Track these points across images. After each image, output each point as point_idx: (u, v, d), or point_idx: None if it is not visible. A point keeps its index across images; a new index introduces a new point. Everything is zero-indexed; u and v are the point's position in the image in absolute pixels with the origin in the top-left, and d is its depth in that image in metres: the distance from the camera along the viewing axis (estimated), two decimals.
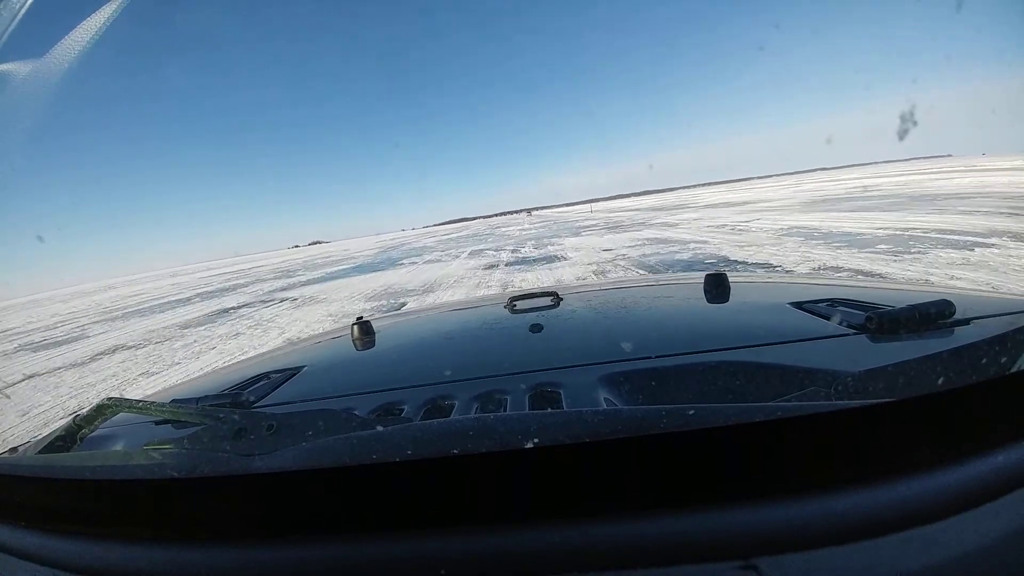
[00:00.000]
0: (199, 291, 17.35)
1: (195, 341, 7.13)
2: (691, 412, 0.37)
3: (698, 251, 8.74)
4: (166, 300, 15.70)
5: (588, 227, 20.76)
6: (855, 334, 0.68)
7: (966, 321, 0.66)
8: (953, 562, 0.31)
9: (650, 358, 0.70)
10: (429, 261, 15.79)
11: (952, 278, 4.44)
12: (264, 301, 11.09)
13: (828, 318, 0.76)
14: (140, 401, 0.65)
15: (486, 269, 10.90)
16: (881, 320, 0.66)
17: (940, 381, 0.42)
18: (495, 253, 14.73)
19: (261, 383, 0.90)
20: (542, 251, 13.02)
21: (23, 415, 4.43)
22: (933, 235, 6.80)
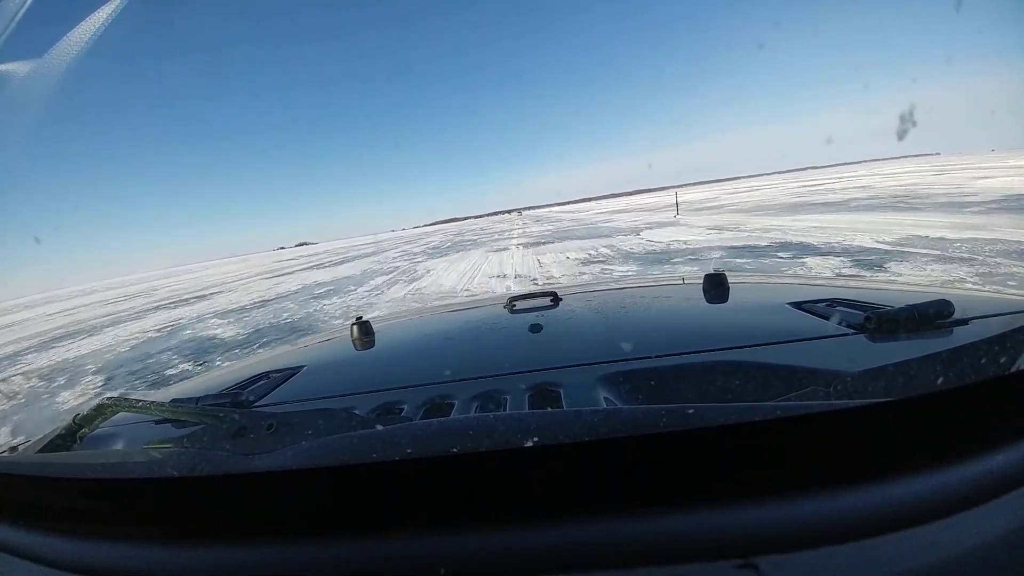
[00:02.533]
0: None
1: None
2: (690, 412, 0.37)
3: None
4: None
5: None
6: (854, 334, 0.68)
7: (965, 321, 0.66)
8: (953, 562, 0.31)
9: (650, 358, 0.70)
10: None
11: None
12: None
13: (827, 318, 0.76)
14: (140, 400, 0.65)
15: None
16: (880, 320, 0.66)
17: (939, 381, 0.42)
18: None
19: (261, 383, 0.90)
20: None
21: None
22: None
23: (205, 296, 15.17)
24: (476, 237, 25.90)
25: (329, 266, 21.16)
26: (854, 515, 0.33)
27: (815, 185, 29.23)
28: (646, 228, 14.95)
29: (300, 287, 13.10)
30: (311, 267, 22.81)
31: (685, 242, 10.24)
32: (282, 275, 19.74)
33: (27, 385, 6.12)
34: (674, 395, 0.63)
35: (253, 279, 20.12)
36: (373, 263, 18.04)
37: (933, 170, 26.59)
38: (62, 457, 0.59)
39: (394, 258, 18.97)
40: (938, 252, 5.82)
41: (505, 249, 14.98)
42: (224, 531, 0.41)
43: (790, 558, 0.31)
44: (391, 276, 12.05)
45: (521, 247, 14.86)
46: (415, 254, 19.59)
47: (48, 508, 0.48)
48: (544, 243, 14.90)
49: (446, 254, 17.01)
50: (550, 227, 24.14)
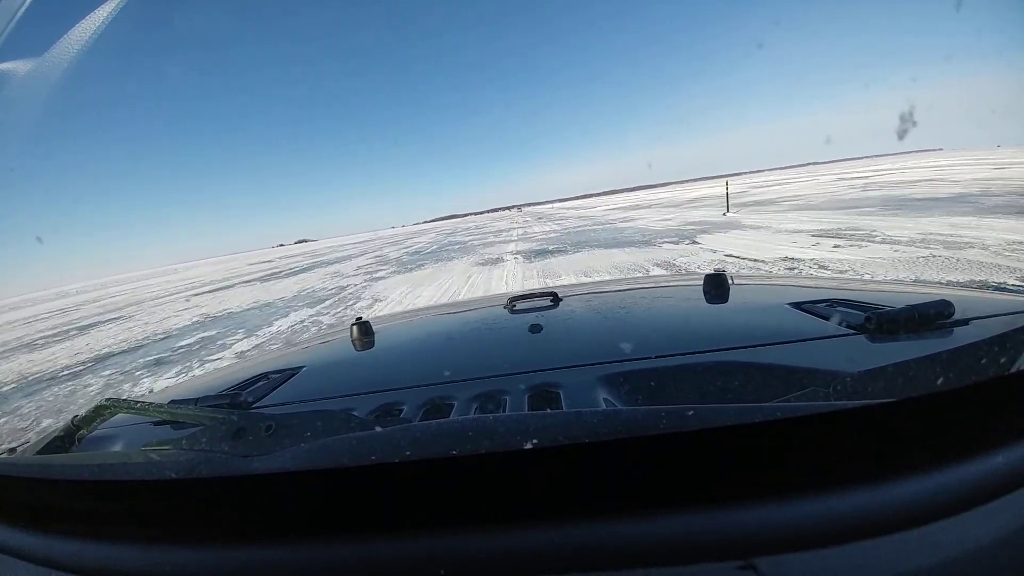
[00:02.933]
0: None
1: None
2: (690, 413, 0.37)
3: None
4: None
5: None
6: (854, 334, 0.68)
7: (965, 322, 0.66)
8: (953, 562, 0.31)
9: (649, 358, 0.70)
10: None
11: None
12: None
13: (827, 318, 0.76)
14: (138, 402, 0.65)
15: None
16: (880, 320, 0.66)
17: (939, 381, 0.42)
18: None
19: (260, 384, 0.90)
20: None
21: None
22: None
23: (97, 324, 11.32)
24: (467, 239, 21.74)
25: (285, 276, 17.25)
26: (854, 515, 0.33)
27: (862, 178, 23.63)
28: (699, 231, 10.14)
29: (203, 318, 9.31)
30: (267, 276, 18.49)
31: (814, 263, 5.52)
32: (223, 289, 15.88)
33: None
34: (674, 396, 0.62)
35: (192, 293, 16.19)
36: (325, 277, 14.21)
37: (991, 164, 21.12)
38: (61, 458, 0.59)
39: (355, 270, 14.95)
40: None
41: (500, 261, 10.48)
42: (223, 533, 0.41)
43: (790, 558, 0.31)
44: (323, 307, 8.18)
45: (521, 259, 10.26)
46: (385, 263, 15.80)
47: (47, 509, 0.48)
48: (553, 252, 10.39)
49: (421, 265, 12.75)
50: (556, 227, 19.27)
